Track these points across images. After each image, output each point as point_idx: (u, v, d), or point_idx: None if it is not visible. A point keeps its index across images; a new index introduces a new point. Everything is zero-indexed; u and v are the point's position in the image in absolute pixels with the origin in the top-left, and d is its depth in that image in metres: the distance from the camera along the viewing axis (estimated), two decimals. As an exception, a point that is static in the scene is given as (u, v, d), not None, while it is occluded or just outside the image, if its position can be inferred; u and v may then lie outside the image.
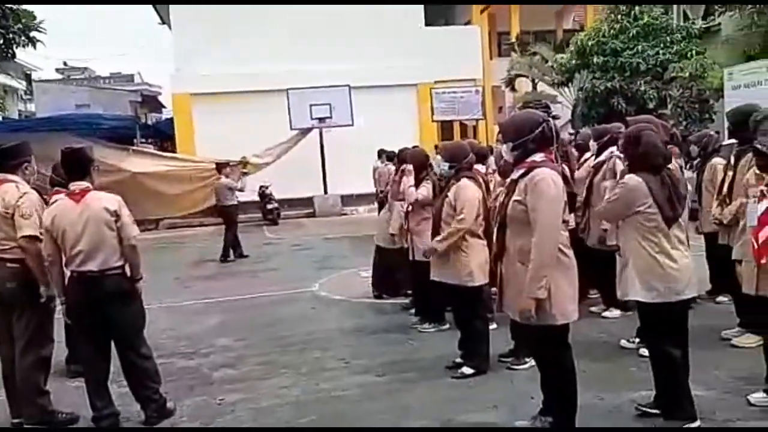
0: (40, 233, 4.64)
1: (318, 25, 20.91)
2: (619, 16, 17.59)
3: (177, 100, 22.26)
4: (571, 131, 15.24)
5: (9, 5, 19.71)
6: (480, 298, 5.64)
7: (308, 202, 20.39)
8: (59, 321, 5.01)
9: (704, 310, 6.66)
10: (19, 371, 4.77)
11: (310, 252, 13.26)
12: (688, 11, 18.60)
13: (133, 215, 4.75)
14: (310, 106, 19.82)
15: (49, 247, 4.61)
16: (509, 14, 26.45)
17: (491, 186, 6.36)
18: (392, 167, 10.07)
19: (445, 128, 24.02)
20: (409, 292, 7.75)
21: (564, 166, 5.24)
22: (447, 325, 6.65)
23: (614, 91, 16.90)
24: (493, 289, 4.81)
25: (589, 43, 17.60)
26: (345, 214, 20.01)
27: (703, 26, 17.38)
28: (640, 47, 17.04)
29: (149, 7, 26.55)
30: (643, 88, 16.55)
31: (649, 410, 4.34)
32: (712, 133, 7.65)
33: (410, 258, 6.84)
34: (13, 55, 22.08)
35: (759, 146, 4.34)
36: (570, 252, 3.98)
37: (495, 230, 4.23)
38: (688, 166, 7.41)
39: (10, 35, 20.40)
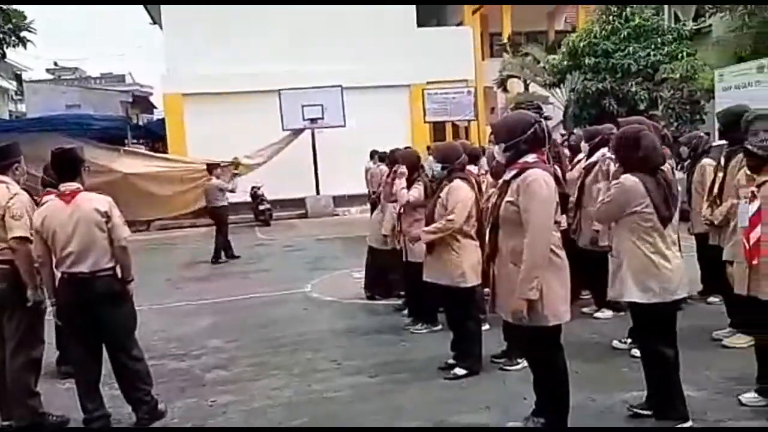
0: (31, 234, 4.61)
1: (311, 26, 20.89)
2: (611, 18, 17.64)
3: (168, 100, 22.18)
4: (563, 132, 15.30)
5: (-1, 5, 19.63)
6: (473, 299, 5.64)
7: (300, 202, 20.36)
8: (50, 322, 4.98)
9: (695, 310, 6.69)
10: (9, 373, 4.74)
11: (302, 253, 13.23)
12: (679, 13, 18.67)
13: (124, 216, 4.73)
14: (302, 106, 19.79)
15: (40, 249, 4.59)
16: (501, 15, 26.46)
17: (483, 187, 6.36)
18: (384, 168, 10.06)
19: (438, 129, 24.03)
20: (402, 293, 7.75)
21: (556, 167, 5.27)
22: (439, 326, 6.65)
23: (605, 93, 16.95)
24: (486, 290, 4.81)
25: (581, 45, 17.64)
26: (337, 215, 19.99)
27: (694, 28, 17.45)
28: (631, 48, 17.09)
29: (140, 8, 26.46)
30: (634, 90, 16.61)
31: (640, 411, 4.35)
32: (701, 134, 7.68)
33: (404, 259, 6.85)
34: (3, 55, 21.96)
35: (749, 147, 4.35)
36: (562, 253, 3.99)
37: (487, 231, 4.23)
38: (679, 167, 7.43)
39: (0, 35, 20.28)
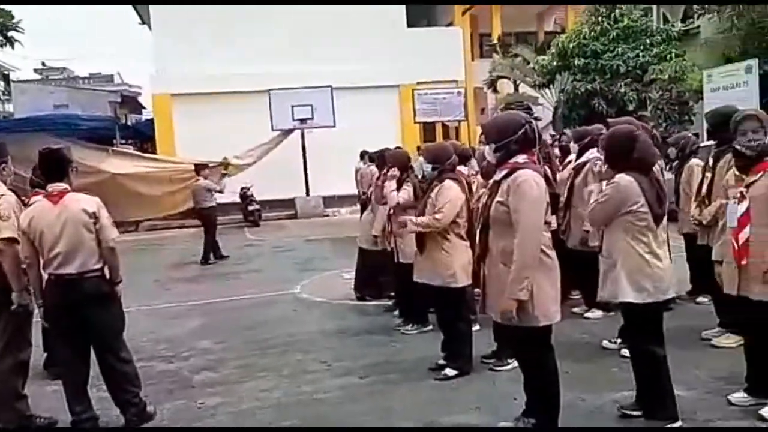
0: (18, 235, 4.57)
1: (300, 27, 20.86)
2: (600, 19, 17.72)
3: (157, 100, 22.10)
4: (553, 133, 15.33)
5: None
6: (463, 300, 5.64)
7: (290, 203, 20.33)
8: (37, 324, 4.94)
9: (684, 310, 6.72)
10: (-4, 375, 4.69)
11: (292, 254, 13.20)
12: (667, 14, 18.76)
13: (113, 217, 4.70)
14: (292, 107, 19.77)
15: (27, 250, 4.55)
16: (491, 16, 26.52)
17: (474, 187, 6.36)
18: (374, 169, 10.05)
19: (428, 129, 24.05)
20: (392, 294, 7.74)
21: (546, 167, 5.27)
22: (430, 327, 6.64)
23: (595, 93, 17.03)
24: (476, 291, 4.81)
25: (570, 45, 17.72)
26: (327, 216, 19.98)
27: (683, 29, 17.54)
28: (620, 49, 17.19)
29: (129, 7, 26.33)
30: (623, 90, 16.69)
31: (631, 413, 4.35)
32: (689, 135, 7.72)
33: (395, 260, 6.84)
34: (-9, 55, 21.84)
35: (738, 147, 4.37)
36: (552, 253, 3.99)
37: (478, 231, 4.23)
38: (667, 168, 7.46)
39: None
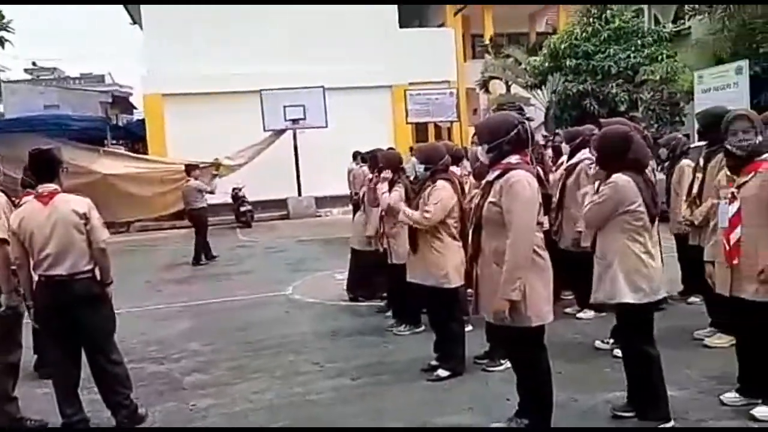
0: (8, 236, 4.54)
1: (292, 27, 20.85)
2: (591, 20, 17.76)
3: (148, 101, 22.02)
4: (545, 133, 15.35)
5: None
6: (456, 300, 5.63)
7: (282, 204, 20.29)
8: (27, 326, 4.90)
9: (676, 310, 6.74)
10: (-15, 378, 4.66)
11: (284, 254, 13.18)
12: (658, 15, 18.82)
13: (104, 218, 4.67)
14: (284, 107, 19.75)
15: (17, 251, 4.52)
16: (483, 16, 26.57)
17: (466, 188, 6.36)
18: (367, 169, 10.03)
19: (420, 130, 24.07)
20: (385, 294, 7.73)
21: (538, 168, 5.28)
22: (422, 328, 6.64)
23: (586, 94, 17.06)
24: (469, 291, 4.81)
25: (562, 46, 17.75)
26: (319, 216, 19.96)
27: (674, 30, 17.60)
28: (611, 50, 17.23)
29: (120, 7, 26.22)
30: (614, 91, 16.73)
31: (623, 414, 4.35)
32: (680, 136, 7.75)
33: (388, 261, 6.83)
34: (-20, 55, 21.71)
35: (729, 147, 4.37)
36: (545, 253, 3.99)
37: (470, 232, 4.22)
38: (659, 168, 7.48)
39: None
